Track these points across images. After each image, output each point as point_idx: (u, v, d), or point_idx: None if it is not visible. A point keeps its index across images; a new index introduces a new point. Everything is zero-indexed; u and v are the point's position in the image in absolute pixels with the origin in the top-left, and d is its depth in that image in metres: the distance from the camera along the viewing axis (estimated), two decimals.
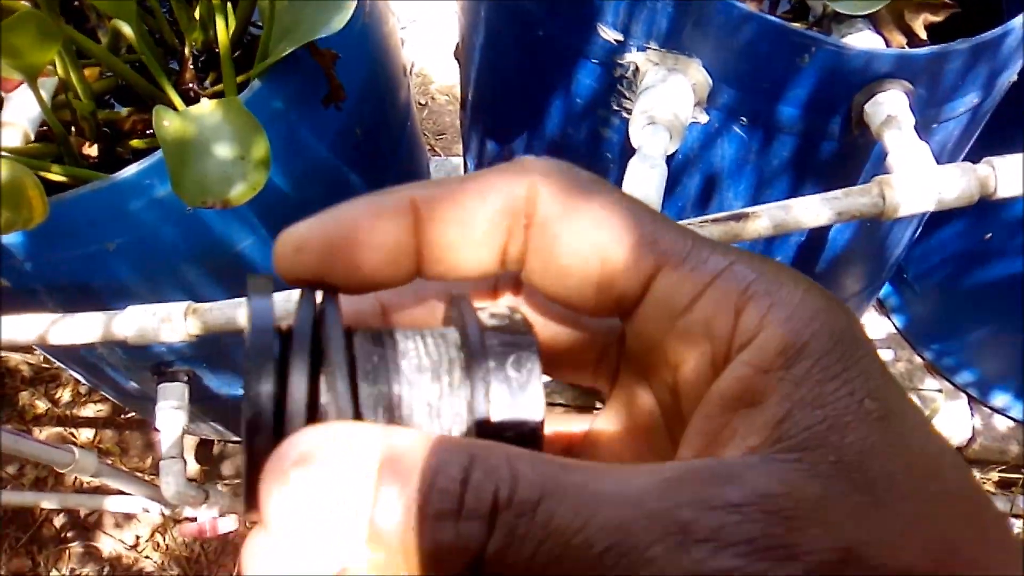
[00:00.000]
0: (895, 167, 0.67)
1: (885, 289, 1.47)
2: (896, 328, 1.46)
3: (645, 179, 0.67)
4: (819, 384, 0.18)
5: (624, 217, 0.21)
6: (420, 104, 2.00)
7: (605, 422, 0.26)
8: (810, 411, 0.18)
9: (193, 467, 1.51)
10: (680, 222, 0.66)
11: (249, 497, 0.18)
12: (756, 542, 0.15)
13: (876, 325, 1.47)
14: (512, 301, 0.25)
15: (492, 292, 0.25)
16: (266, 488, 0.17)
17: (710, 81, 0.74)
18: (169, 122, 0.64)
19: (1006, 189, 0.65)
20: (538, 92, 0.90)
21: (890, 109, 0.70)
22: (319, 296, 0.22)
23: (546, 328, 0.25)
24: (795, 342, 0.19)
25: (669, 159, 0.81)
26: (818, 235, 0.91)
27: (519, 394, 0.21)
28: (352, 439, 0.17)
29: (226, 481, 1.49)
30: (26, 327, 0.68)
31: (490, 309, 0.22)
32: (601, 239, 0.21)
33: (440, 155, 1.88)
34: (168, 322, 0.64)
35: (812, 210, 0.65)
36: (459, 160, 1.67)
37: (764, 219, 0.65)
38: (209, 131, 0.67)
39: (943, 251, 1.29)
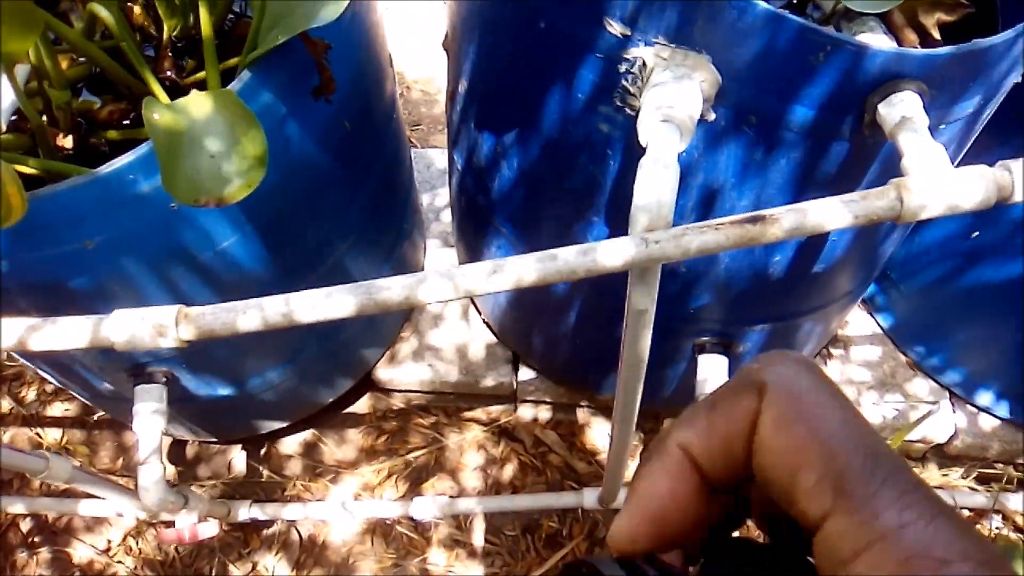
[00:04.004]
0: (911, 170, 0.65)
1: (871, 289, 1.46)
2: (881, 328, 1.46)
3: (659, 180, 0.65)
4: None
5: (822, 446, 0.23)
6: (400, 95, 1.96)
7: None
8: None
9: (169, 469, 1.47)
10: (698, 223, 0.64)
11: None
12: None
13: (861, 325, 1.47)
14: None
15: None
16: None
17: (719, 79, 0.72)
18: (160, 115, 0.61)
19: (1022, 192, 0.64)
20: (536, 86, 0.87)
21: (905, 110, 0.68)
22: None
23: None
24: None
25: None
26: (820, 236, 0.89)
27: None
28: None
29: (201, 483, 1.45)
30: (3, 332, 0.63)
31: None
32: (795, 463, 0.23)
33: (417, 146, 1.84)
34: (160, 329, 0.60)
35: (831, 213, 0.63)
36: (436, 152, 1.64)
37: (783, 222, 0.63)
38: (201, 125, 0.63)
39: (929, 252, 1.29)
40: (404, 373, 1.40)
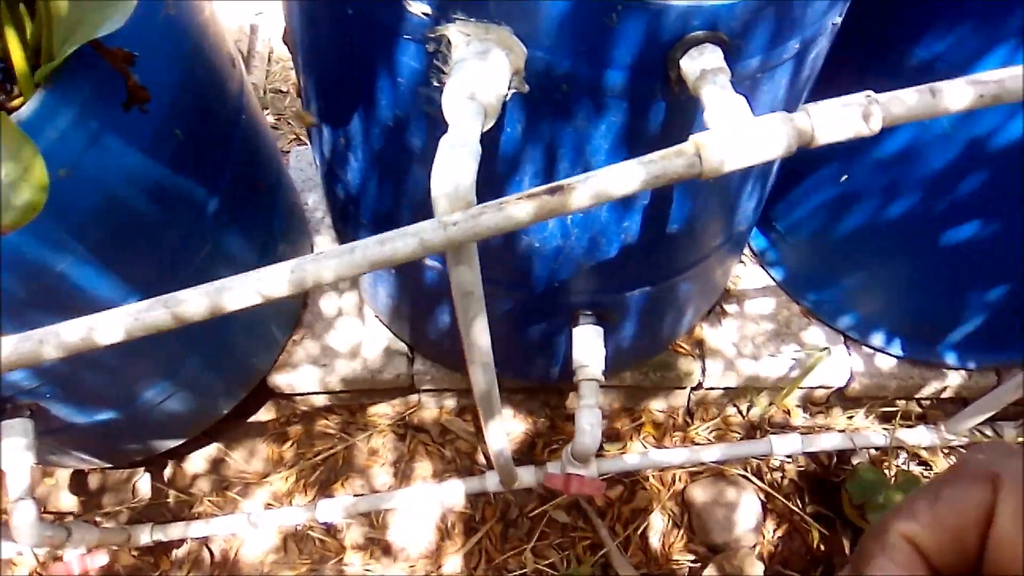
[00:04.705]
0: (711, 124, 0.65)
1: (761, 243, 1.47)
2: (774, 280, 1.47)
3: (457, 162, 0.63)
4: None
5: None
6: (282, 92, 1.92)
7: None
8: None
9: (71, 500, 1.43)
10: (496, 200, 0.62)
11: None
12: None
13: (756, 278, 1.47)
14: None
15: None
16: None
17: (524, 49, 0.71)
18: None
19: (824, 135, 0.63)
20: (362, 74, 0.85)
21: (705, 64, 0.67)
22: None
23: None
24: None
25: (491, 138, 0.78)
26: (662, 196, 0.88)
27: None
28: None
29: (107, 511, 1.41)
30: None
31: None
32: None
33: (305, 144, 1.80)
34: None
35: (630, 176, 0.62)
36: None
37: (581, 190, 0.62)
38: None
39: (807, 200, 1.30)
40: (301, 377, 1.37)
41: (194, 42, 0.96)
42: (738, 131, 0.63)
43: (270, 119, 1.82)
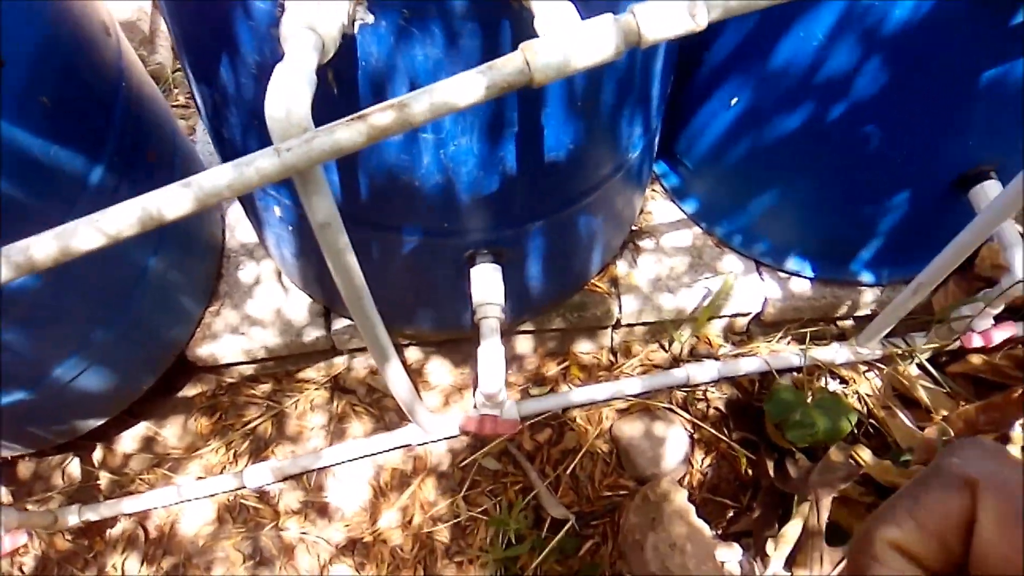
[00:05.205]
0: (540, 31, 0.65)
1: (673, 180, 1.48)
2: (686, 213, 1.48)
3: (289, 89, 0.63)
4: None
5: None
6: None
7: None
8: None
9: (2, 491, 1.42)
10: (330, 124, 0.63)
11: None
12: None
13: (668, 214, 1.49)
14: None
15: None
16: None
17: None
18: None
19: (650, 33, 0.64)
20: (220, 22, 0.84)
21: None
22: None
23: None
24: None
25: (346, 72, 0.78)
26: (531, 120, 0.89)
27: None
28: None
29: (38, 498, 1.41)
30: None
31: None
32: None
33: None
34: None
35: (463, 87, 0.63)
36: None
37: (417, 104, 0.62)
38: None
39: (705, 130, 1.31)
40: (223, 347, 1.37)
41: (56, 11, 0.95)
42: (563, 37, 0.64)
43: (180, 98, 1.80)
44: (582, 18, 0.65)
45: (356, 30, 0.75)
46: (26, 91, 0.89)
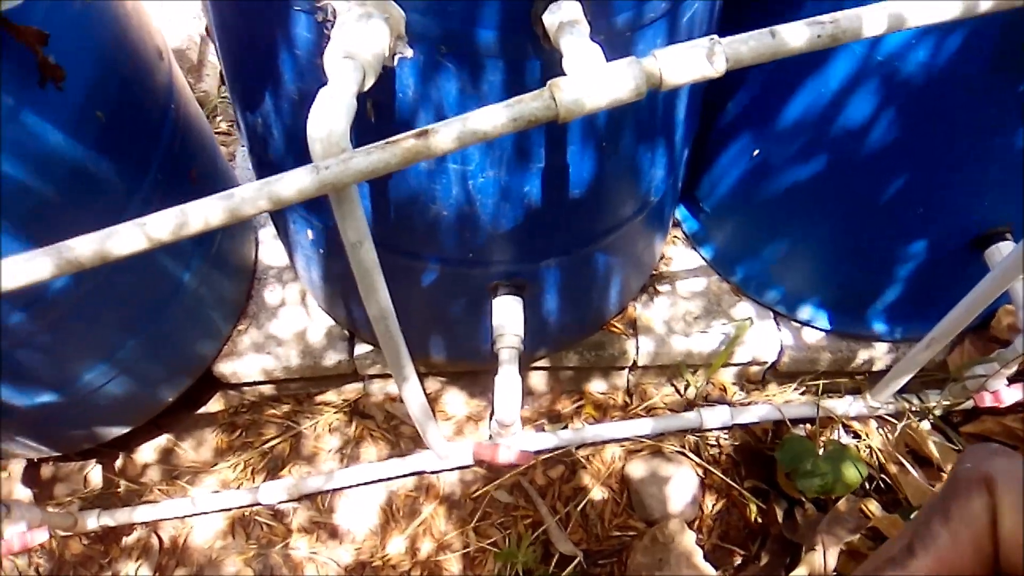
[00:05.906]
0: (568, 70, 0.69)
1: (692, 225, 1.52)
2: (704, 259, 1.51)
3: (332, 111, 0.67)
4: None
5: None
6: None
7: None
8: None
9: (25, 492, 1.46)
10: (367, 146, 0.67)
11: None
12: None
13: (688, 260, 1.52)
14: None
15: None
16: None
17: (402, 13, 0.75)
18: None
19: (672, 76, 0.68)
20: (267, 51, 0.89)
21: (564, 16, 0.72)
22: None
23: None
24: None
25: (385, 102, 0.83)
26: (558, 157, 0.93)
27: None
28: None
29: (59, 501, 1.44)
30: None
31: None
32: None
33: None
34: None
35: (491, 118, 0.66)
36: None
37: (445, 132, 0.66)
38: None
39: (725, 177, 1.34)
40: (246, 365, 1.41)
41: (115, 30, 1.01)
42: (589, 76, 0.68)
43: (223, 125, 1.87)
44: (607, 60, 0.69)
45: (395, 63, 0.80)
46: (85, 104, 0.95)
